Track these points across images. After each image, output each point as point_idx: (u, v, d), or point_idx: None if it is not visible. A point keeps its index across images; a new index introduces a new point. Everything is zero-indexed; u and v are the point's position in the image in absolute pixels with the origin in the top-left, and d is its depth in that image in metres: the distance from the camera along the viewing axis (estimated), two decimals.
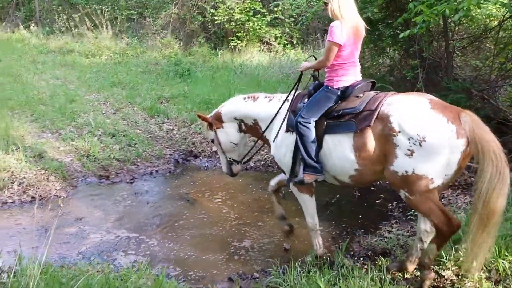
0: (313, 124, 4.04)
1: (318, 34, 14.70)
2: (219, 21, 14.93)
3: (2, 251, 4.33)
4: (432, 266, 3.89)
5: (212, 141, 5.18)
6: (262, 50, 15.26)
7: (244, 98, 4.93)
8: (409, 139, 3.53)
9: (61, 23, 16.56)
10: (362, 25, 4.10)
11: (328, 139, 4.03)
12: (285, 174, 4.51)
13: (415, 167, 3.55)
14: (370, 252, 4.53)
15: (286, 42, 15.39)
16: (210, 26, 15.92)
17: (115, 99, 9.88)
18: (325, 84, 4.20)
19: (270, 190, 4.99)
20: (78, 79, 11.42)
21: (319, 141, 4.06)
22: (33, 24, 18.65)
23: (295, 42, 15.45)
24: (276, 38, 15.37)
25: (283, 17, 15.17)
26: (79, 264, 4.26)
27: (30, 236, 5.10)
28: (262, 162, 7.48)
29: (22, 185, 6.22)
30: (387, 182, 6.34)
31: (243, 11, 14.81)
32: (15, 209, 5.83)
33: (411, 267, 4.10)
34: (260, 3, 15.07)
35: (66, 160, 7.05)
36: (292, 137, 4.25)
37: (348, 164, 3.92)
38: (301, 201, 4.54)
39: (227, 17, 14.82)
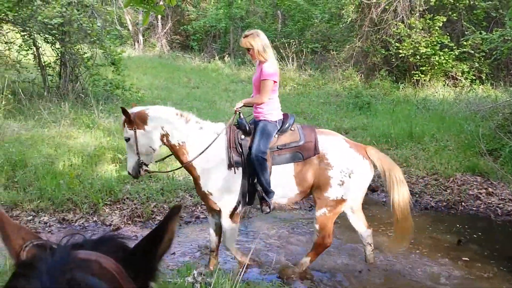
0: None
1: None
2: (403, 55, 14.73)
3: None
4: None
5: (127, 139, 4.64)
6: (447, 85, 14.63)
7: (177, 114, 4.65)
8: (340, 172, 4.48)
9: None
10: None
11: (274, 169, 4.52)
12: (213, 209, 4.71)
13: (344, 193, 4.53)
14: None
15: (474, 77, 14.53)
16: (393, 59, 15.76)
17: None
18: (263, 118, 4.61)
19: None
20: None
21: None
22: (227, 55, 20.56)
23: (484, 77, 14.48)
24: (463, 73, 14.60)
25: (472, 51, 14.35)
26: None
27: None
28: (445, 203, 6.96)
29: None
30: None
31: (430, 45, 14.40)
32: (206, 224, 6.39)
33: None
34: (448, 36, 14.49)
35: None
36: (236, 174, 4.51)
37: (290, 189, 4.60)
38: (230, 229, 4.68)
39: (412, 50, 14.55)
